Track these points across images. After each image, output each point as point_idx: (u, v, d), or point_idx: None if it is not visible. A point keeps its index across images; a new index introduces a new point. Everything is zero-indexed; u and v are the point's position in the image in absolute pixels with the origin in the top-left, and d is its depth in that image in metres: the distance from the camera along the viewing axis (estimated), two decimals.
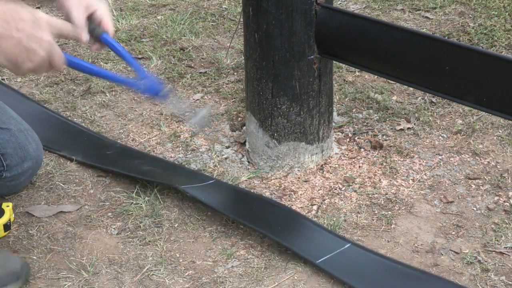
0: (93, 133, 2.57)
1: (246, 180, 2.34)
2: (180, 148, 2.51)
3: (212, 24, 3.38)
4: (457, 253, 2.02)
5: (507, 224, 2.12)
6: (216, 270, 1.99)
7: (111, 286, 1.94)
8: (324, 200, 2.25)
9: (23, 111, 2.23)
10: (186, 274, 1.98)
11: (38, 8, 3.02)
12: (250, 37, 2.23)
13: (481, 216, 2.16)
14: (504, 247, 2.03)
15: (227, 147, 2.51)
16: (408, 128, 2.56)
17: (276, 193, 2.28)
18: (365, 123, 2.60)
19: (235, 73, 2.97)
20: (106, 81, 2.80)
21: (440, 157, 2.42)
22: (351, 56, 2.18)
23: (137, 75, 1.70)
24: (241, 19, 2.30)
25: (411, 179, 2.32)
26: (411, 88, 2.73)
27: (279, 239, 2.02)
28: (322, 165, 2.39)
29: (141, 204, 2.22)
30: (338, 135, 2.54)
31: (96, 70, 1.69)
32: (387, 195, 2.25)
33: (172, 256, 2.04)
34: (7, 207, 2.07)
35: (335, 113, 2.60)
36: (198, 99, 2.80)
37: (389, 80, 2.79)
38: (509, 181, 2.30)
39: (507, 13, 3.26)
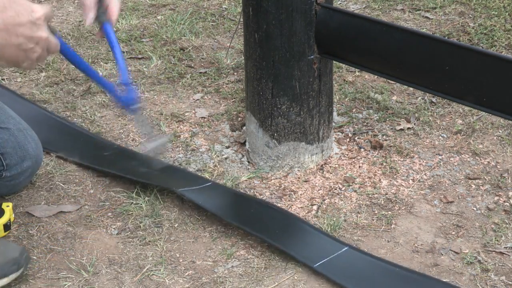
0: (91, 134, 2.56)
1: (246, 180, 2.34)
2: (180, 148, 2.51)
3: (212, 24, 3.38)
4: (457, 253, 2.02)
5: (507, 224, 2.12)
6: (216, 270, 1.99)
7: (111, 286, 1.94)
8: (324, 200, 2.25)
9: (19, 111, 2.23)
10: (186, 274, 1.98)
11: None
12: (250, 37, 2.23)
13: (481, 216, 2.16)
14: (504, 247, 2.03)
15: (227, 147, 2.51)
16: (408, 128, 2.56)
17: (276, 193, 2.28)
18: (365, 123, 2.60)
19: (235, 73, 2.97)
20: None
21: (440, 157, 2.42)
22: (351, 56, 2.18)
23: (120, 78, 1.70)
24: (241, 19, 2.30)
25: (411, 179, 2.32)
26: (411, 88, 2.73)
27: (276, 243, 2.02)
28: (322, 165, 2.39)
29: (141, 204, 2.22)
30: (338, 135, 2.54)
31: (82, 64, 1.68)
32: (387, 195, 2.25)
33: (172, 256, 2.04)
34: (7, 207, 2.07)
35: (335, 113, 2.60)
36: (198, 99, 2.80)
37: (389, 80, 2.79)
38: (509, 181, 2.30)
39: (507, 13, 3.26)
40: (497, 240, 2.06)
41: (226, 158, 2.45)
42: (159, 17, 3.44)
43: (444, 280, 1.92)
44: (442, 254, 2.02)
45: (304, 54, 2.18)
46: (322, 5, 2.13)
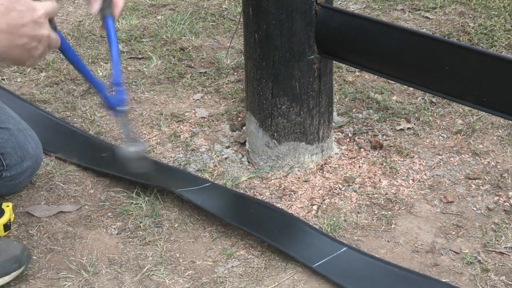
0: (89, 135, 2.56)
1: (246, 180, 2.34)
2: (180, 148, 2.51)
3: (212, 24, 3.38)
4: (457, 253, 2.02)
5: (507, 224, 2.11)
6: (216, 270, 1.99)
7: (111, 286, 1.94)
8: (324, 200, 2.25)
9: (17, 112, 2.23)
10: (186, 274, 1.98)
11: None
12: (250, 37, 2.23)
13: (481, 216, 2.16)
14: (504, 247, 2.03)
15: (227, 147, 2.51)
16: (408, 128, 2.56)
17: (276, 193, 2.28)
18: (365, 123, 2.60)
19: (235, 73, 2.97)
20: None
21: (440, 157, 2.42)
22: (351, 56, 2.18)
23: (112, 78, 1.70)
24: (241, 19, 2.30)
25: (411, 179, 2.32)
26: (411, 88, 2.73)
27: (275, 243, 2.02)
28: (322, 165, 2.39)
29: (141, 204, 2.22)
30: (338, 135, 2.54)
31: (76, 61, 1.68)
32: (387, 195, 2.25)
33: (172, 256, 2.04)
34: (7, 207, 2.06)
35: (335, 113, 2.60)
36: (198, 99, 2.80)
37: (389, 80, 2.79)
38: (509, 181, 2.29)
39: (507, 13, 3.26)
40: (497, 240, 2.06)
41: (226, 158, 2.45)
42: (159, 17, 3.44)
43: (444, 280, 1.92)
44: (442, 254, 2.02)
45: (304, 54, 2.18)
46: (322, 5, 2.13)
